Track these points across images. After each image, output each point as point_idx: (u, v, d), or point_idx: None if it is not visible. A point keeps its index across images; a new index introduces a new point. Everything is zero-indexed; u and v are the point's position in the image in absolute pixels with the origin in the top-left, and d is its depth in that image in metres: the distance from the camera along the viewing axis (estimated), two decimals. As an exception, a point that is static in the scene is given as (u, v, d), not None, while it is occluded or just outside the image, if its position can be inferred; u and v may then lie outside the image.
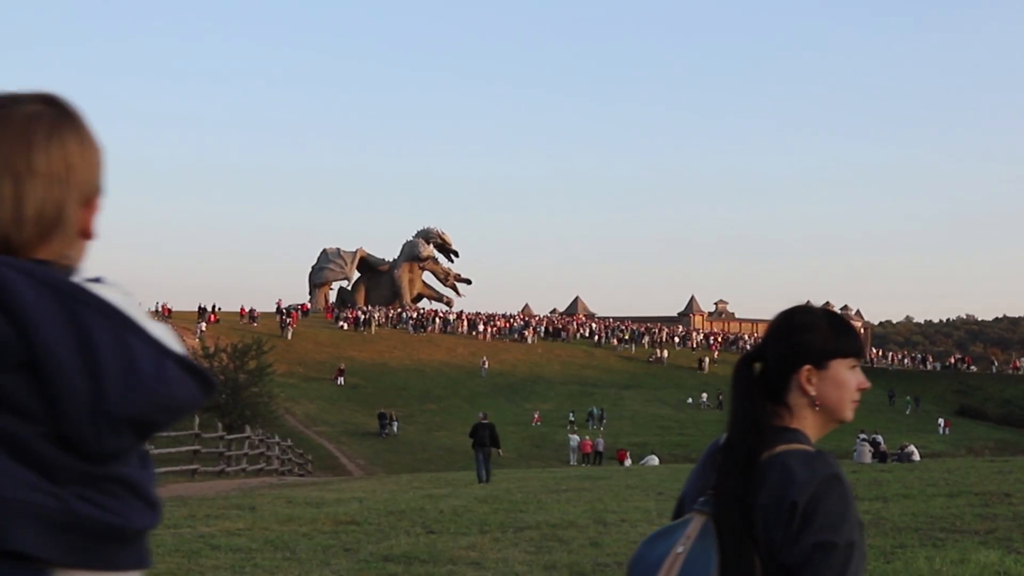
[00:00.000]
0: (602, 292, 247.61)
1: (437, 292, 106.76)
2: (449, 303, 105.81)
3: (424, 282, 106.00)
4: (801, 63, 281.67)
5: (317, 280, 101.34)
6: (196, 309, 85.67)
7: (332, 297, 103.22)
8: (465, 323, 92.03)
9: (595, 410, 65.97)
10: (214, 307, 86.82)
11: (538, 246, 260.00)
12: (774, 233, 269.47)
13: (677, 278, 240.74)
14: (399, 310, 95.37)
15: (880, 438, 43.22)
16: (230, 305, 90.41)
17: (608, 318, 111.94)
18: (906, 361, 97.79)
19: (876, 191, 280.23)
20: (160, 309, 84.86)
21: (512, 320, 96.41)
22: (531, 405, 68.80)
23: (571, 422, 63.44)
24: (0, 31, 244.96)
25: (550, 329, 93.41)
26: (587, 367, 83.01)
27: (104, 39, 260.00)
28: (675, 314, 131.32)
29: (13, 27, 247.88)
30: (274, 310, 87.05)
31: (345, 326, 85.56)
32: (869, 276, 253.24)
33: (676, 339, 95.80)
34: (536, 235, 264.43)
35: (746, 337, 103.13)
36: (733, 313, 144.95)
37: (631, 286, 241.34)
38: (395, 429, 56.82)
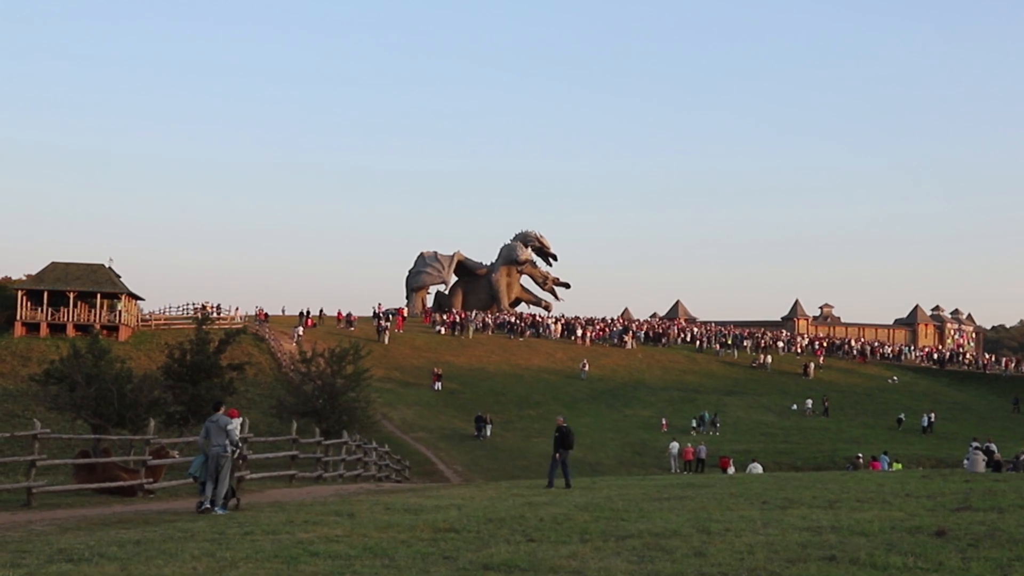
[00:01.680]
0: (704, 296, 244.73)
1: (535, 296, 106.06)
2: (548, 307, 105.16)
3: (522, 286, 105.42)
4: (909, 59, 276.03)
5: (414, 284, 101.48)
6: (295, 313, 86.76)
7: (429, 301, 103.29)
8: (563, 328, 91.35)
9: (706, 415, 65.22)
10: (312, 311, 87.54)
11: (638, 249, 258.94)
12: (881, 235, 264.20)
13: (781, 281, 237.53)
14: (497, 314, 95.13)
15: (994, 446, 41.92)
16: (328, 309, 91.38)
17: (710, 322, 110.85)
18: (1023, 367, 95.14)
19: (987, 188, 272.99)
20: (256, 313, 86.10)
21: (612, 325, 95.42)
22: (631, 411, 68.31)
23: (694, 428, 63.19)
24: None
25: (650, 334, 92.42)
26: (688, 372, 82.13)
27: (227, 41, 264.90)
28: (779, 318, 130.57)
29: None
30: (371, 314, 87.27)
31: (442, 331, 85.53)
32: (981, 279, 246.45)
33: (780, 344, 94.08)
34: (636, 238, 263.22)
35: (852, 342, 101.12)
36: (839, 317, 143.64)
37: (734, 289, 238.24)
38: (488, 432, 56.81)
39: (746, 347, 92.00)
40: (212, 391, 44.86)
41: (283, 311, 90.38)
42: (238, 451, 19.76)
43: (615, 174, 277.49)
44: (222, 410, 19.94)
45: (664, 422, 64.13)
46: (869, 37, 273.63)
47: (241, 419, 21.12)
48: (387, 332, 78.89)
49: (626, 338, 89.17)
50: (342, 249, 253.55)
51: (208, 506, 18.69)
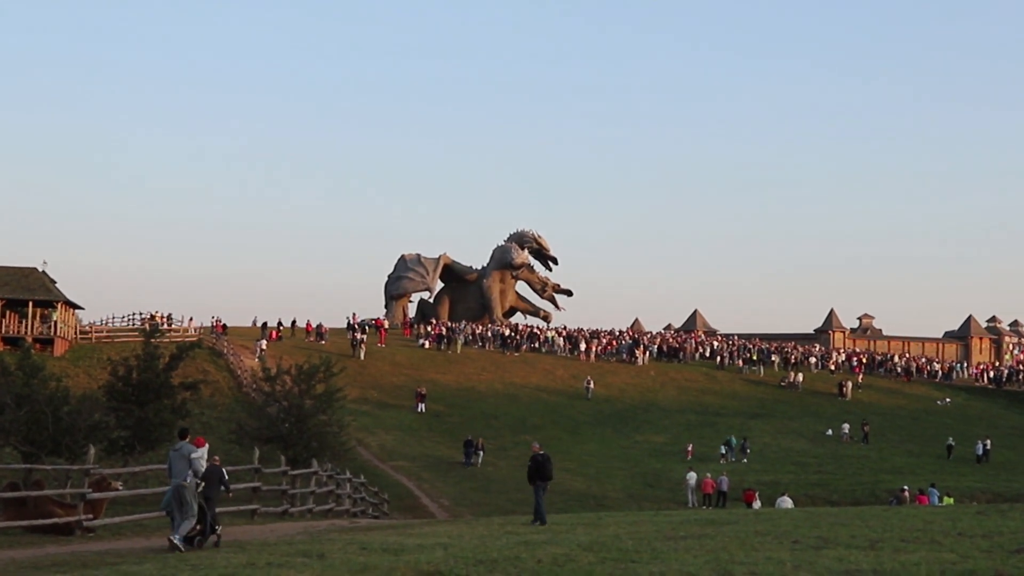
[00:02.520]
0: (724, 305, 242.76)
1: (533, 305, 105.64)
2: (547, 318, 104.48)
3: (518, 293, 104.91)
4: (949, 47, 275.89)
5: (394, 291, 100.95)
6: (258, 324, 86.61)
7: (411, 311, 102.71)
8: (565, 341, 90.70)
9: (733, 440, 65.07)
10: (278, 322, 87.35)
11: (650, 251, 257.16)
12: (927, 236, 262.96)
13: (814, 288, 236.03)
14: (489, 326, 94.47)
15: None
16: (296, 320, 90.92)
17: (732, 336, 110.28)
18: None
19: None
20: (214, 325, 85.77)
21: (620, 338, 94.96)
22: (642, 437, 68.35)
23: (722, 455, 63.02)
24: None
25: (664, 348, 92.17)
26: (708, 392, 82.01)
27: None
28: (811, 331, 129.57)
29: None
30: (345, 326, 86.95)
31: (426, 344, 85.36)
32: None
33: (813, 360, 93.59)
34: (648, 239, 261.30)
35: (895, 358, 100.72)
36: (880, 330, 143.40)
37: (759, 298, 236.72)
38: (478, 460, 56.89)
39: (774, 364, 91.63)
40: (162, 413, 44.53)
41: (256, 323, 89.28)
42: (201, 484, 20.12)
43: (623, 166, 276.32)
44: (187, 438, 20.34)
45: (689, 448, 64.09)
46: (948, 28, 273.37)
47: (207, 447, 21.26)
48: (363, 346, 78.72)
49: (637, 353, 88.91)
50: (313, 252, 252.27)
51: (175, 540, 19.32)
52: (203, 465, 20.25)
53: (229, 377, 68.37)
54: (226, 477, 21.16)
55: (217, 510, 20.90)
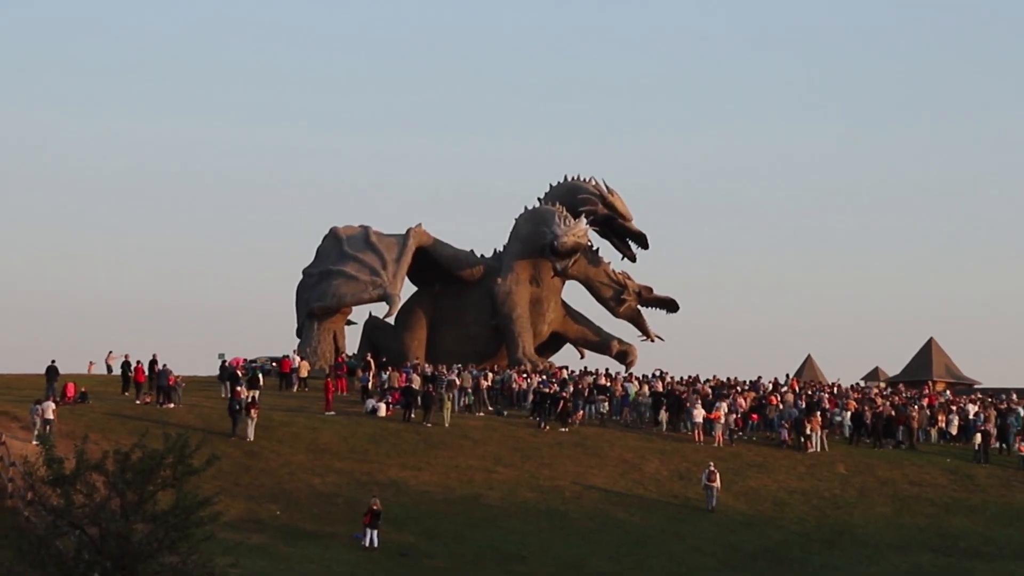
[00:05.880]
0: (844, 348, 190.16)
1: (598, 331, 71.94)
2: (625, 355, 70.28)
3: (567, 306, 70.92)
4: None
5: (318, 302, 68.81)
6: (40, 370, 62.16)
7: (351, 344, 71.22)
8: (663, 403, 60.27)
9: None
10: (80, 366, 66.86)
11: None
12: None
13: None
14: (508, 371, 63.82)
15: None
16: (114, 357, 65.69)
17: (1002, 393, 73.90)
18: None
19: None
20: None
21: (767, 397, 62.28)
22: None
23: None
24: None
25: (868, 419, 60.34)
26: (957, 508, 56.01)
27: None
28: None
29: None
30: (216, 374, 61.97)
31: (382, 409, 58.53)
32: None
33: None
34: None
35: None
36: None
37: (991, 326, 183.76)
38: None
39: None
40: None
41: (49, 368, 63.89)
42: None
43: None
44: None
45: None
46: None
47: None
48: (253, 413, 54.45)
49: (809, 427, 57.72)
50: (144, 243, 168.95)
51: None
52: None
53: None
54: None
55: None
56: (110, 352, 64.29)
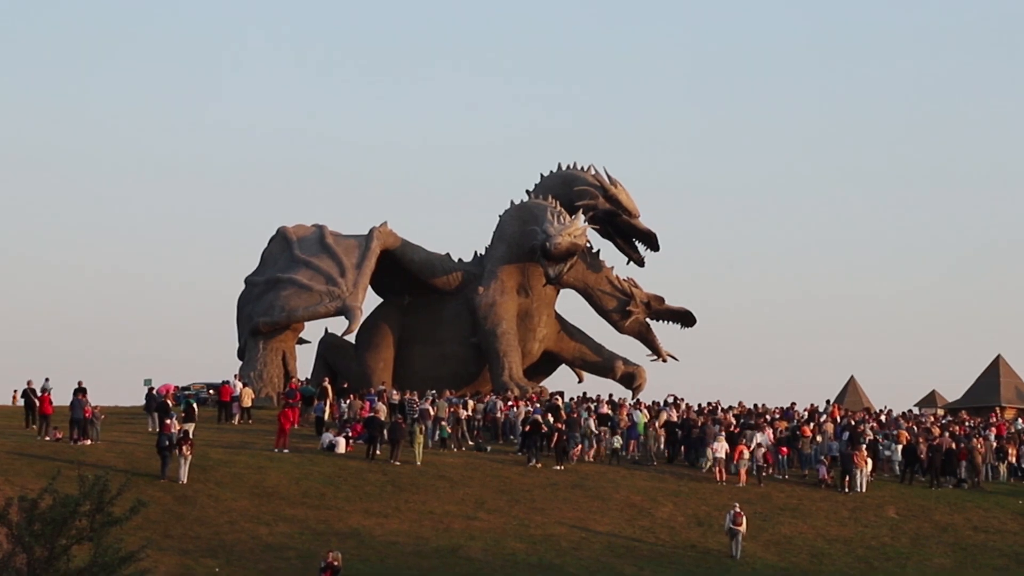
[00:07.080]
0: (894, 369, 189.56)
1: (600, 349, 67.96)
2: (633, 379, 66.48)
3: (562, 319, 67.10)
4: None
5: (266, 316, 65.18)
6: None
7: (304, 368, 67.68)
8: (676, 436, 58.52)
9: None
10: None
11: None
12: None
13: None
14: (492, 398, 60.43)
15: None
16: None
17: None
18: None
19: None
20: None
21: (801, 425, 59.30)
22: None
23: None
24: None
25: (923, 452, 58.45)
26: (1015, 555, 52.34)
27: None
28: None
29: None
30: (142, 403, 58.47)
31: (341, 444, 55.51)
32: None
33: None
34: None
35: None
36: None
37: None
38: None
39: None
40: None
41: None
42: None
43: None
44: None
45: None
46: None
47: None
48: (187, 452, 51.51)
49: (852, 461, 54.99)
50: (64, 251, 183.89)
51: None
52: None
53: None
54: None
55: None
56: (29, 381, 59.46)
